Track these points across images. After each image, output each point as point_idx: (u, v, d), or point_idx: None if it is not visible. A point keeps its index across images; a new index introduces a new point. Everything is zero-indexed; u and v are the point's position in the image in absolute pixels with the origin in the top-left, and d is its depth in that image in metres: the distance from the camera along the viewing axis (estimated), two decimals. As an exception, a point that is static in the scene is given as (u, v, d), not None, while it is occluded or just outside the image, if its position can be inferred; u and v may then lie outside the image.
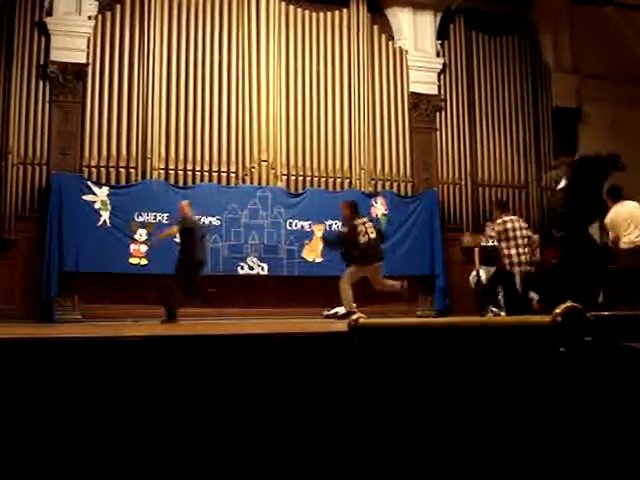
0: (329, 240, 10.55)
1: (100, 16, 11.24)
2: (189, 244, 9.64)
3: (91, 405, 2.77)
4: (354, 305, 9.50)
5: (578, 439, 1.51)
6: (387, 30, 13.03)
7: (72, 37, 11.00)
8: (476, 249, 11.97)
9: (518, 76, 13.80)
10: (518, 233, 9.57)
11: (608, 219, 9.53)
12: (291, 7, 12.33)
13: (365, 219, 9.95)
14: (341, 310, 10.09)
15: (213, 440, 2.85)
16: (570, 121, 14.14)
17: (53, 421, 2.70)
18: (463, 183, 13.03)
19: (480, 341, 1.90)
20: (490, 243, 11.62)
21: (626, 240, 9.42)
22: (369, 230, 9.71)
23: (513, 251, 9.47)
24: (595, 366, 1.49)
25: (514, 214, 10.34)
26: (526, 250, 9.59)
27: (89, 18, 11.15)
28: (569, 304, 1.50)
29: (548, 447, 1.59)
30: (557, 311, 1.49)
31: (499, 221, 9.70)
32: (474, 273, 11.82)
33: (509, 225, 9.58)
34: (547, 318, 1.51)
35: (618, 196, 9.67)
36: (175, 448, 2.79)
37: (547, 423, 1.60)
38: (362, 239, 9.61)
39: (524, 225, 9.79)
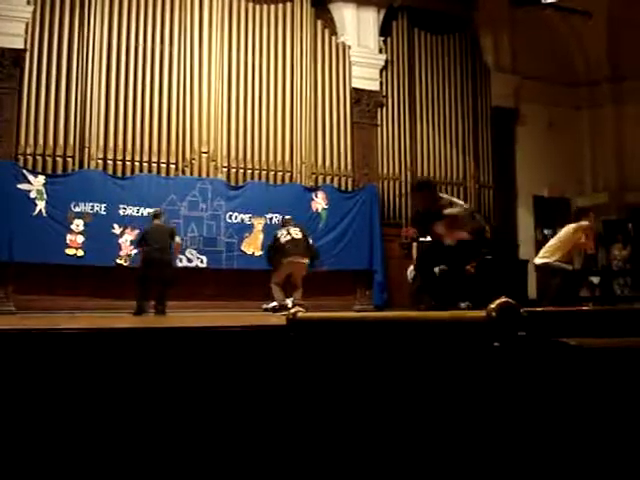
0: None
1: (40, 1, 10.98)
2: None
3: (26, 398, 2.72)
4: (287, 300, 9.75)
5: (510, 432, 1.54)
6: (330, 25, 13.04)
7: (10, 22, 10.71)
8: (414, 244, 12.10)
9: (459, 75, 13.97)
10: None
11: None
12: (234, -1, 12.26)
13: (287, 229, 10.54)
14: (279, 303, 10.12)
15: (147, 434, 2.83)
16: (508, 120, 14.40)
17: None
18: (403, 179, 13.14)
19: (416, 336, 1.92)
20: (428, 239, 11.74)
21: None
22: (292, 232, 10.39)
23: None
24: (528, 361, 1.52)
25: None
26: None
27: (28, 3, 10.89)
28: (503, 299, 1.52)
29: (481, 440, 1.62)
30: (492, 306, 1.51)
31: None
32: (411, 268, 11.92)
33: None
34: (482, 313, 1.53)
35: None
36: (106, 442, 2.76)
37: (481, 416, 1.62)
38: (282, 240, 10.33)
39: None
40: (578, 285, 9.95)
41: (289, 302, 9.88)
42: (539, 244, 14.52)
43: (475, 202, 13.66)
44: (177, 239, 10.04)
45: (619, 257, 13.41)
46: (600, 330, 2.12)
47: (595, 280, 12.33)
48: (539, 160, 14.26)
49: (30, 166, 10.58)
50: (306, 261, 10.46)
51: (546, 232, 14.92)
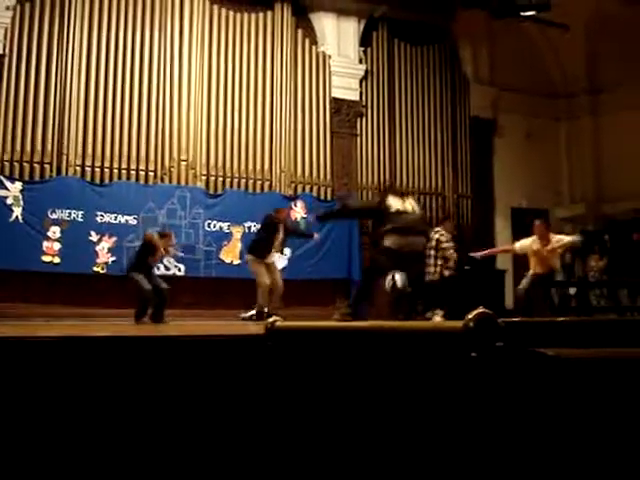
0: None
1: (19, 7, 10.91)
2: None
3: (7, 407, 2.69)
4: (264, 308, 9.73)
5: (488, 441, 1.54)
6: (311, 34, 13.07)
7: (-12, 27, 10.67)
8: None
9: (438, 85, 14.05)
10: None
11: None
12: (215, 6, 12.23)
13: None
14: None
15: (124, 444, 2.80)
16: (486, 131, 14.49)
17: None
18: (382, 188, 13.17)
19: (394, 345, 1.92)
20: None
21: None
22: None
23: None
24: (506, 371, 1.52)
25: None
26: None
27: (7, 8, 10.82)
28: (481, 310, 1.52)
29: (457, 450, 1.62)
30: (469, 317, 1.52)
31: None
32: (389, 277, 11.94)
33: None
34: (459, 324, 1.53)
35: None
36: (84, 450, 2.73)
37: (459, 426, 1.62)
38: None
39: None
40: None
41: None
42: (517, 255, 14.63)
43: (454, 212, 13.73)
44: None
45: (595, 268, 13.48)
46: (577, 340, 2.13)
47: (572, 291, 12.39)
48: (517, 171, 14.36)
49: (7, 172, 10.50)
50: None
51: (523, 243, 15.00)
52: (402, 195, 8.35)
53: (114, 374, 2.98)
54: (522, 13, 12.57)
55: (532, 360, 1.49)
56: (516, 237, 14.77)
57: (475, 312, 1.52)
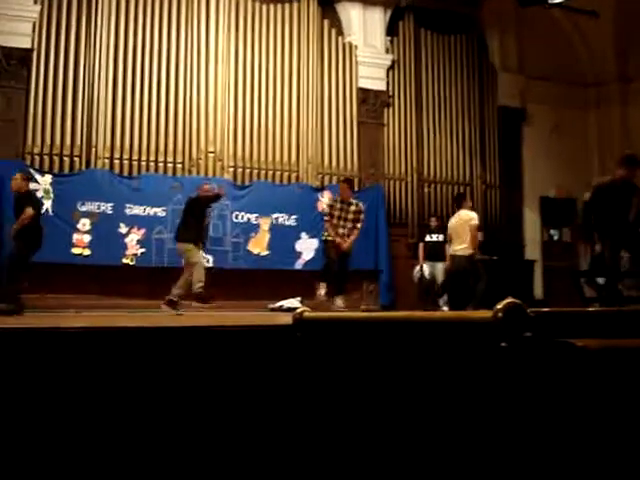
0: None
1: (47, 1, 11.00)
2: None
3: (30, 397, 2.73)
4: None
5: (516, 433, 1.54)
6: (337, 25, 13.04)
7: (17, 21, 10.74)
8: (420, 244, 12.13)
9: (465, 75, 13.96)
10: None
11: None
12: (241, -2, 12.27)
13: None
14: (286, 303, 10.10)
15: (155, 434, 2.83)
16: (515, 121, 14.38)
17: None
18: (409, 179, 13.15)
19: (422, 336, 1.92)
20: (434, 238, 11.79)
21: (450, 251, 10.03)
22: None
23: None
24: (534, 362, 1.52)
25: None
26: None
27: (35, 2, 10.92)
28: (510, 300, 1.52)
29: (487, 440, 1.61)
30: (498, 307, 1.51)
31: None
32: (417, 268, 11.96)
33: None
34: (488, 313, 1.53)
35: (458, 205, 10.18)
36: (111, 442, 2.76)
37: (487, 416, 1.62)
38: None
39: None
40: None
41: (296, 302, 9.85)
42: (545, 245, 14.54)
43: (481, 202, 13.66)
44: None
45: (625, 258, 13.35)
46: (606, 331, 2.11)
47: (601, 281, 12.28)
48: (546, 160, 14.23)
49: (37, 165, 10.61)
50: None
51: (552, 232, 14.91)
52: None
53: (144, 364, 3.01)
54: (550, 1, 12.44)
55: (560, 351, 1.49)
56: (546, 226, 14.73)
57: (504, 302, 1.51)
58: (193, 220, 9.30)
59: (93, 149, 10.96)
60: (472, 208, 10.54)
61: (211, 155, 11.64)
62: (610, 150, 14.88)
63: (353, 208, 9.67)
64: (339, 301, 9.33)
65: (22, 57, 10.72)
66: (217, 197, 9.57)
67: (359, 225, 9.71)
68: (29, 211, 8.57)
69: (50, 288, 10.34)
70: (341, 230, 9.59)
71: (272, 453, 2.66)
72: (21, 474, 2.60)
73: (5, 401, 2.68)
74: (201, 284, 8.95)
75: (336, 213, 9.66)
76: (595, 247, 12.00)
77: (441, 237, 11.95)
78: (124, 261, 10.81)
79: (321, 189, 12.23)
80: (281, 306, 10.31)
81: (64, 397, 2.77)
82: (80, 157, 10.91)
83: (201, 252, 9.36)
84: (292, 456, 2.44)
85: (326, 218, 9.78)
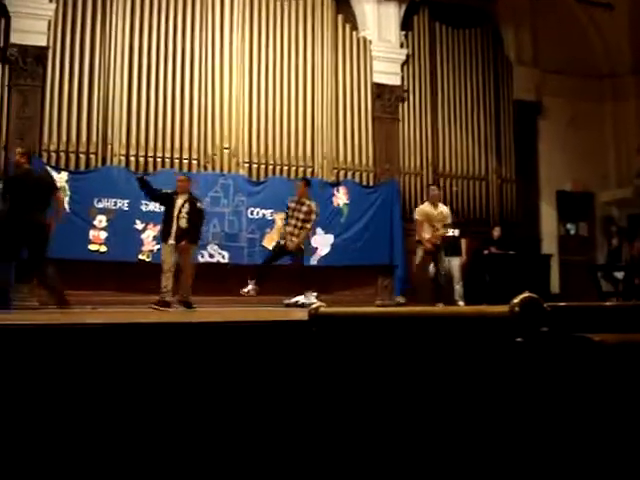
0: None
1: (62, -1, 11.07)
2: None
3: (49, 393, 2.74)
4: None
5: (533, 429, 1.53)
6: (351, 20, 13.02)
7: (33, 19, 10.80)
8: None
9: (480, 68, 13.91)
10: None
11: None
12: (255, -6, 12.27)
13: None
14: (301, 299, 10.10)
15: (175, 429, 2.84)
16: (530, 114, 14.31)
17: (11, 410, 2.67)
18: (424, 173, 13.12)
19: (438, 331, 1.92)
20: (450, 233, 11.77)
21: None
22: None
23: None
24: (551, 356, 1.51)
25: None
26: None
27: (50, 0, 10.97)
28: (527, 294, 1.51)
29: (503, 435, 1.61)
30: (515, 301, 1.51)
31: None
32: (433, 263, 11.93)
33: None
34: (505, 308, 1.53)
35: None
36: (132, 437, 2.78)
37: (504, 411, 1.62)
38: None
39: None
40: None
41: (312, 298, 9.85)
42: (562, 239, 14.47)
43: (497, 197, 13.62)
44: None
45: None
46: (624, 326, 2.10)
47: (619, 275, 12.23)
48: (562, 154, 14.15)
49: (53, 162, 10.66)
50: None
51: (569, 227, 14.84)
52: None
53: (159, 360, 3.02)
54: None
55: (577, 346, 1.48)
56: (562, 220, 14.67)
57: (521, 297, 1.51)
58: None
59: (109, 146, 11.01)
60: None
61: (226, 151, 11.66)
62: (626, 143, 14.80)
63: (305, 208, 9.80)
64: (250, 286, 9.59)
65: (38, 55, 10.76)
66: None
67: (308, 225, 9.84)
68: (60, 196, 8.28)
69: (67, 285, 10.39)
70: (289, 229, 9.73)
71: (286, 446, 2.67)
72: (42, 467, 2.62)
73: (28, 396, 2.70)
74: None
75: (289, 213, 9.86)
76: (612, 241, 11.95)
77: (457, 232, 11.94)
78: (140, 257, 10.85)
79: (336, 184, 12.23)
80: (296, 301, 10.31)
81: (87, 391, 2.79)
82: (96, 154, 10.96)
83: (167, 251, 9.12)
84: (305, 449, 2.44)
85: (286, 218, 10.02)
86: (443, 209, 10.56)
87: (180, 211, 9.04)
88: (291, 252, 9.74)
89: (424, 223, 10.37)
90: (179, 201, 9.09)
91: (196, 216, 9.16)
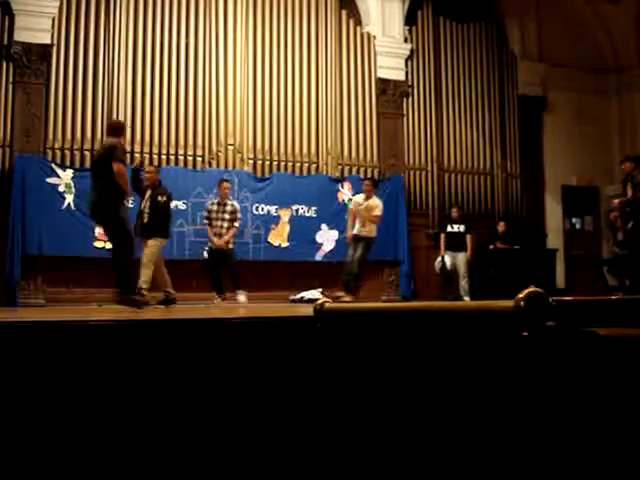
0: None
1: (65, -4, 11.07)
2: None
3: (56, 389, 2.75)
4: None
5: (538, 423, 1.53)
6: (355, 15, 13.00)
7: (36, 17, 10.79)
8: (442, 235, 12.13)
9: (485, 63, 13.88)
10: None
11: None
12: (259, -11, 12.25)
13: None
14: (307, 294, 10.12)
15: (181, 423, 2.85)
16: (535, 109, 14.28)
17: (15, 406, 2.68)
18: (429, 169, 13.11)
19: (444, 326, 1.92)
20: (455, 229, 11.78)
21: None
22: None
23: None
24: (557, 351, 1.51)
25: None
26: None
27: (54, -2, 10.98)
28: (532, 289, 1.51)
29: (508, 431, 1.61)
30: (520, 296, 1.51)
31: None
32: (439, 259, 11.96)
33: None
34: (510, 303, 1.53)
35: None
36: (138, 431, 2.78)
37: (508, 407, 1.62)
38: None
39: None
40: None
41: (317, 293, 9.87)
42: (567, 233, 14.45)
43: (503, 191, 13.61)
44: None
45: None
46: (630, 320, 2.10)
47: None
48: (567, 149, 14.13)
49: (58, 160, 10.68)
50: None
51: (574, 221, 14.82)
52: None
53: (167, 356, 3.03)
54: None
55: (583, 340, 1.48)
56: (567, 215, 14.64)
57: (527, 291, 1.51)
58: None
59: (113, 143, 11.01)
60: None
61: (230, 147, 11.66)
62: (632, 137, 14.75)
63: (229, 208, 9.97)
64: (241, 296, 9.60)
65: (42, 53, 10.77)
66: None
67: (237, 224, 9.99)
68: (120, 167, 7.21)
69: (74, 282, 10.44)
70: (217, 230, 9.89)
71: (292, 440, 2.67)
72: (55, 461, 2.63)
73: (35, 392, 2.71)
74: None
75: (213, 216, 9.96)
76: (617, 235, 11.91)
77: (462, 227, 11.95)
78: (145, 254, 10.84)
79: (341, 180, 12.22)
80: (302, 297, 10.33)
81: (94, 387, 2.79)
82: (101, 151, 10.97)
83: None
84: (311, 443, 2.45)
85: (206, 222, 10.10)
86: (371, 202, 10.29)
87: (145, 205, 8.84)
88: (225, 252, 9.79)
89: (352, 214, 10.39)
90: (146, 195, 8.85)
91: (157, 211, 8.78)
